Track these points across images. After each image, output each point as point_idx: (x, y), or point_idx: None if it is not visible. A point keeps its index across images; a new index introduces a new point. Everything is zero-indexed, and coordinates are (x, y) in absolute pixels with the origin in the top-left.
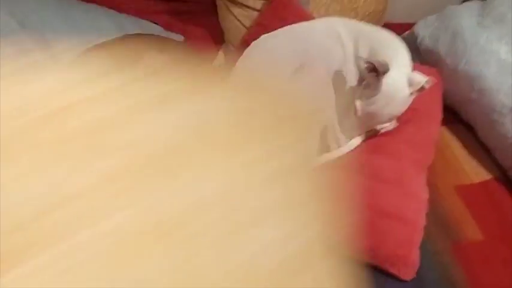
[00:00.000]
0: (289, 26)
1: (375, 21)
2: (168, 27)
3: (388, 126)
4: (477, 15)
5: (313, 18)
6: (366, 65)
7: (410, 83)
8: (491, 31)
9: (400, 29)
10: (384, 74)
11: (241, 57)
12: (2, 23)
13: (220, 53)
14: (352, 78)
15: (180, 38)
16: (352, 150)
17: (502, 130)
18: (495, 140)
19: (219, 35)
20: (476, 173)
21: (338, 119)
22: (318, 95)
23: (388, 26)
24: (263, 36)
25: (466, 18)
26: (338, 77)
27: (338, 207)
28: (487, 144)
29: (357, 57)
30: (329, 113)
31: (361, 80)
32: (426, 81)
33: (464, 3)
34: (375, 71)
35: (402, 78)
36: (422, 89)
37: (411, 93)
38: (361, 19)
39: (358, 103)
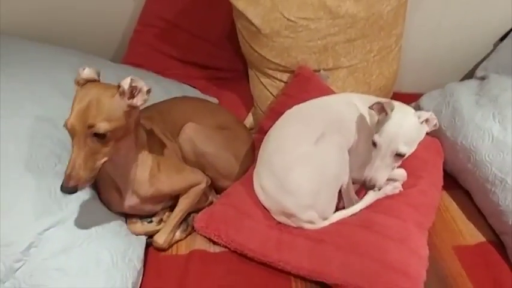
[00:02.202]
0: (315, 100)
1: (385, 93)
2: (205, 91)
3: (395, 190)
4: (474, 93)
5: (331, 90)
6: (375, 106)
7: (419, 116)
8: (486, 110)
9: (407, 98)
10: (391, 110)
11: (276, 123)
12: (47, 93)
13: (250, 115)
14: (365, 145)
15: (215, 100)
16: (364, 209)
17: (494, 198)
18: (488, 207)
19: (249, 100)
20: (472, 235)
21: (352, 181)
22: (335, 159)
23: (397, 95)
24: (294, 107)
25: (464, 95)
26: (353, 143)
27: None
28: (482, 209)
29: (369, 107)
30: (344, 176)
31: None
32: (431, 114)
33: (464, 81)
34: (383, 110)
35: (408, 111)
36: (428, 121)
37: (421, 123)
38: (374, 91)
39: (376, 136)
